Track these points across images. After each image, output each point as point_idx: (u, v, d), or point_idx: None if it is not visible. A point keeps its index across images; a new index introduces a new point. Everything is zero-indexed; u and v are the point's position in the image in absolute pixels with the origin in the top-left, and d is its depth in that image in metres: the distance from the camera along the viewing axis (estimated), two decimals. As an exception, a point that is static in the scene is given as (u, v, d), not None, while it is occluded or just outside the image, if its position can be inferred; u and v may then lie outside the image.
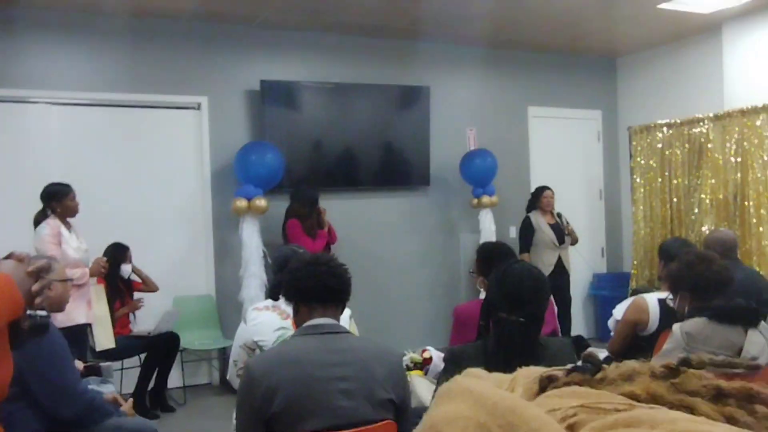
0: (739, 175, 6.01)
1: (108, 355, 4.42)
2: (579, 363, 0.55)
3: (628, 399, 0.49)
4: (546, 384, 0.53)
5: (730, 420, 0.46)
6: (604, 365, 0.55)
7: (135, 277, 5.34)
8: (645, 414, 0.45)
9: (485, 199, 6.56)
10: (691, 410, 0.47)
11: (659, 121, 6.79)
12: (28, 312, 1.73)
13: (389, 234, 6.54)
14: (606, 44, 7.15)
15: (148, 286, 5.37)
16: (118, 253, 5.11)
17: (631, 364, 0.53)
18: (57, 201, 4.48)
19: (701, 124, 6.36)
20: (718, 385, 0.49)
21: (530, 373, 0.54)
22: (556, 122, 7.39)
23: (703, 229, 6.10)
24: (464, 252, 6.79)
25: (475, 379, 0.50)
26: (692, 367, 0.52)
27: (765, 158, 5.82)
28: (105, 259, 4.69)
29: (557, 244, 6.17)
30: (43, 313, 1.78)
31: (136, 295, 5.33)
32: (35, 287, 1.70)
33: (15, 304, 1.62)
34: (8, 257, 1.75)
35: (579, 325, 7.09)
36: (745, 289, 3.60)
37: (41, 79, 5.35)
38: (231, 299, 5.68)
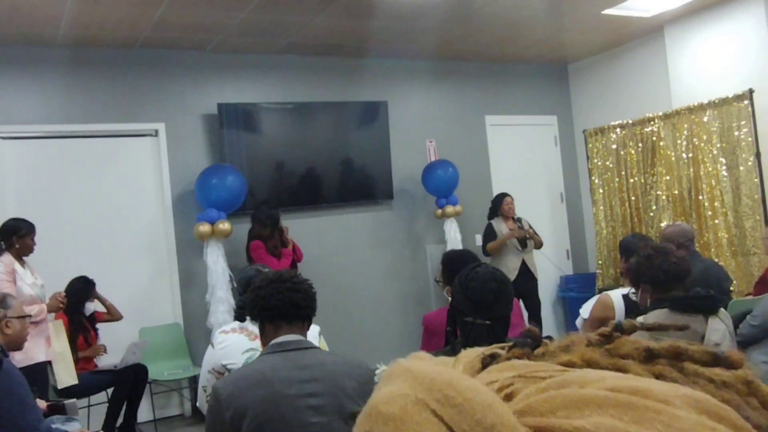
0: (691, 170, 6.19)
1: (72, 392, 4.27)
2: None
3: (565, 367, 0.50)
4: (488, 362, 0.53)
5: (659, 377, 0.48)
6: (546, 340, 0.56)
7: (98, 306, 5.22)
8: (575, 375, 0.47)
9: (449, 209, 6.61)
10: (623, 372, 0.48)
11: (612, 123, 6.96)
12: None
13: (356, 249, 6.55)
14: (556, 51, 7.29)
15: (112, 315, 5.25)
16: (84, 289, 5.00)
17: (570, 336, 0.54)
18: (19, 237, 4.39)
19: (652, 123, 6.54)
20: (648, 346, 0.50)
21: (473, 353, 0.55)
22: (514, 129, 7.50)
23: (662, 224, 6.24)
24: (432, 263, 6.81)
25: (416, 360, 0.50)
26: (624, 332, 0.53)
27: (714, 153, 6.00)
28: (63, 294, 4.56)
29: (520, 249, 6.23)
30: None
31: (100, 332, 5.19)
32: None
33: None
34: None
35: (550, 328, 7.15)
36: (705, 279, 3.69)
37: (-9, 114, 5.26)
38: (199, 326, 5.61)
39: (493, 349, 0.54)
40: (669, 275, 2.77)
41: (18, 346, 3.10)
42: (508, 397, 0.46)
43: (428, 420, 0.43)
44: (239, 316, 2.90)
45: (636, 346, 0.50)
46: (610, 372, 0.47)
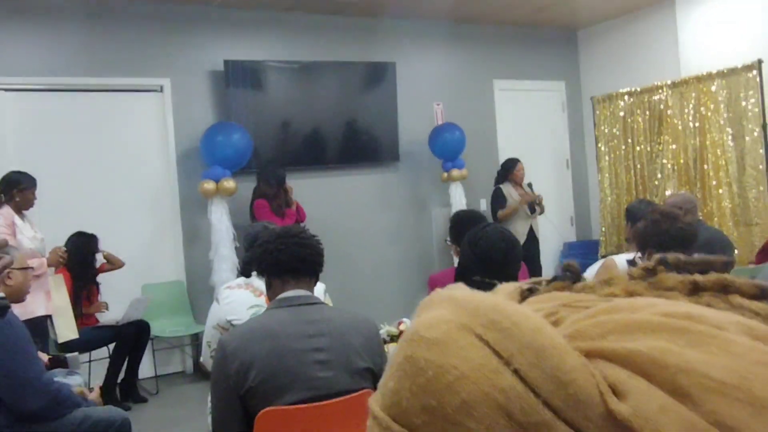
0: (697, 139, 6.18)
1: (74, 346, 4.26)
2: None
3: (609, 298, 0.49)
4: (527, 295, 0.53)
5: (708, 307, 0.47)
6: (584, 276, 0.55)
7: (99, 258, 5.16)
8: (624, 302, 0.46)
9: (455, 172, 6.58)
10: (669, 304, 0.47)
11: (621, 90, 6.90)
12: None
13: (360, 211, 6.53)
14: (566, 17, 7.20)
15: (113, 264, 5.15)
16: (87, 243, 4.92)
17: (610, 272, 0.53)
18: (19, 191, 4.36)
19: (660, 91, 6.51)
20: (694, 279, 0.49)
21: (510, 286, 0.54)
22: (521, 94, 7.44)
23: (667, 193, 6.24)
24: (436, 226, 6.82)
25: (456, 289, 0.49)
26: (668, 266, 0.52)
27: (721, 122, 5.98)
28: (63, 248, 4.53)
29: (529, 214, 6.21)
30: (1, 295, 1.67)
31: (102, 287, 5.16)
32: None
33: None
34: None
35: (550, 294, 7.18)
36: (710, 247, 3.68)
37: (-7, 65, 5.18)
38: (202, 284, 5.61)
39: (531, 282, 0.54)
40: (676, 240, 2.75)
41: (19, 298, 3.07)
42: (555, 324, 0.45)
43: (473, 344, 0.42)
44: (245, 272, 2.89)
45: (681, 279, 0.49)
46: (659, 299, 0.47)
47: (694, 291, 0.48)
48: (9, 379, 2.51)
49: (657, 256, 0.50)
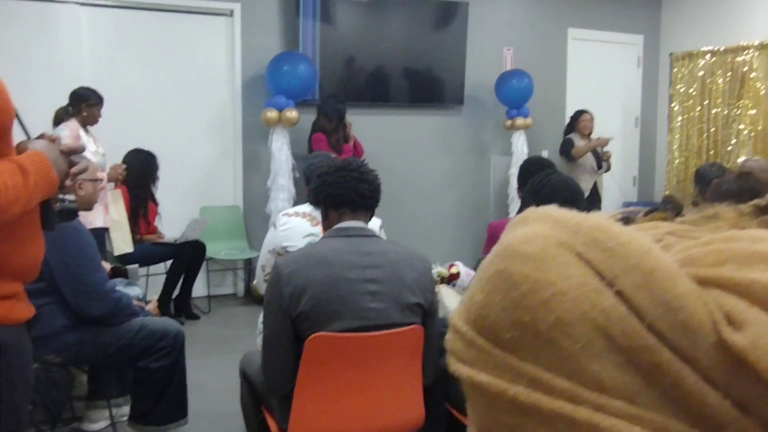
0: (780, 105, 5.88)
1: (134, 260, 4.39)
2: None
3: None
4: (624, 223, 0.49)
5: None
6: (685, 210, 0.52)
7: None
8: (742, 233, 0.43)
9: (519, 120, 6.44)
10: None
11: (702, 48, 6.59)
12: (59, 195, 1.66)
13: (419, 152, 6.48)
14: (653, -35, 6.85)
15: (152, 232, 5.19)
16: (148, 162, 4.93)
17: (712, 207, 0.49)
18: (88, 105, 4.47)
19: (745, 52, 6.20)
20: (814, 218, 0.45)
21: (602, 214, 0.50)
22: (596, 46, 7.17)
23: (739, 160, 6.00)
24: (495, 173, 6.73)
25: (551, 209, 0.46)
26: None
27: (809, 89, 5.67)
28: (124, 166, 4.61)
29: (596, 170, 6.05)
30: (72, 197, 1.71)
31: (161, 208, 5.25)
32: (75, 169, 1.63)
33: (50, 184, 1.53)
34: (40, 137, 1.66)
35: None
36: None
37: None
38: (258, 211, 5.70)
39: (627, 212, 0.51)
40: (752, 196, 2.63)
41: (87, 208, 3.15)
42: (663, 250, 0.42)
43: (573, 262, 0.40)
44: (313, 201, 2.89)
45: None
46: None
47: (812, 232, 0.45)
48: (74, 284, 2.62)
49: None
